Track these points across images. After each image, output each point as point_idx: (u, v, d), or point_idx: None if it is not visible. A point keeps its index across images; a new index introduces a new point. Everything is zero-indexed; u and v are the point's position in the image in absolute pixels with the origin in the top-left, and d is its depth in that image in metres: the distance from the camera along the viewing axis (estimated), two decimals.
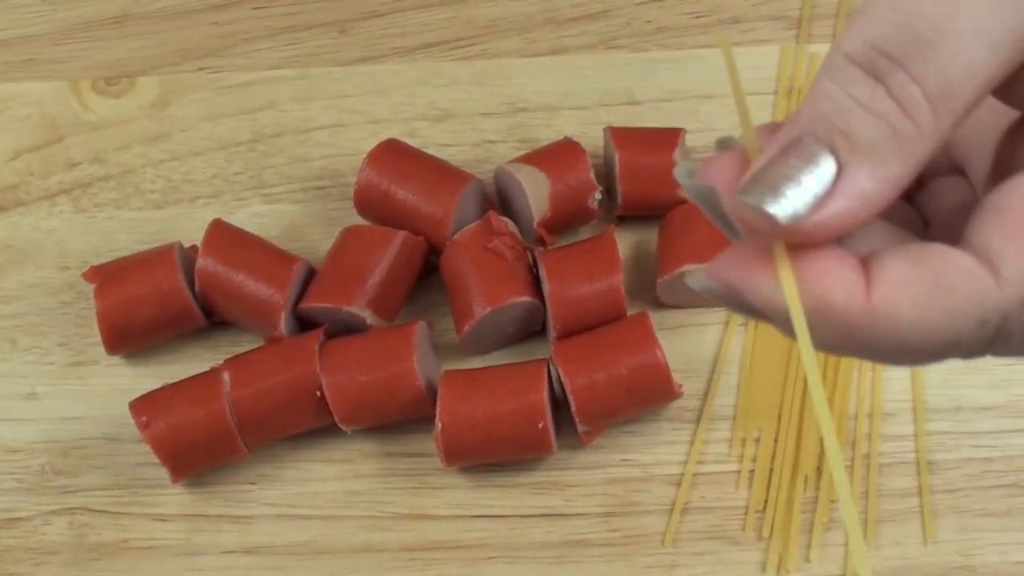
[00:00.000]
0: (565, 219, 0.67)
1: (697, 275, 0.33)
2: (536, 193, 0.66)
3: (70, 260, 0.71)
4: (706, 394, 0.65)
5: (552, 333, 0.64)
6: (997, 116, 0.34)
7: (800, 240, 0.30)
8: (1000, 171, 0.33)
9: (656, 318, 0.64)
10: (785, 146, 0.31)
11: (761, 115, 0.71)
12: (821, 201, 0.30)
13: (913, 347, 0.30)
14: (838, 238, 0.31)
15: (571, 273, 0.64)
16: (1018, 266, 0.30)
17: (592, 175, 0.67)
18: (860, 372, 0.65)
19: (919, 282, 0.30)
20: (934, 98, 0.30)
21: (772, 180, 0.30)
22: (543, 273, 0.64)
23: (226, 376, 0.63)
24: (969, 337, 0.30)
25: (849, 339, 0.30)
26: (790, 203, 0.30)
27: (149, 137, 0.74)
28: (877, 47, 0.30)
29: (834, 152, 0.30)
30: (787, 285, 0.30)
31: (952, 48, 0.30)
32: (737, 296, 0.32)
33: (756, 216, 0.30)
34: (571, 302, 0.64)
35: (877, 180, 0.30)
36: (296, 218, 0.71)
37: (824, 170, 0.30)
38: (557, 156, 0.67)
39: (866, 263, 0.31)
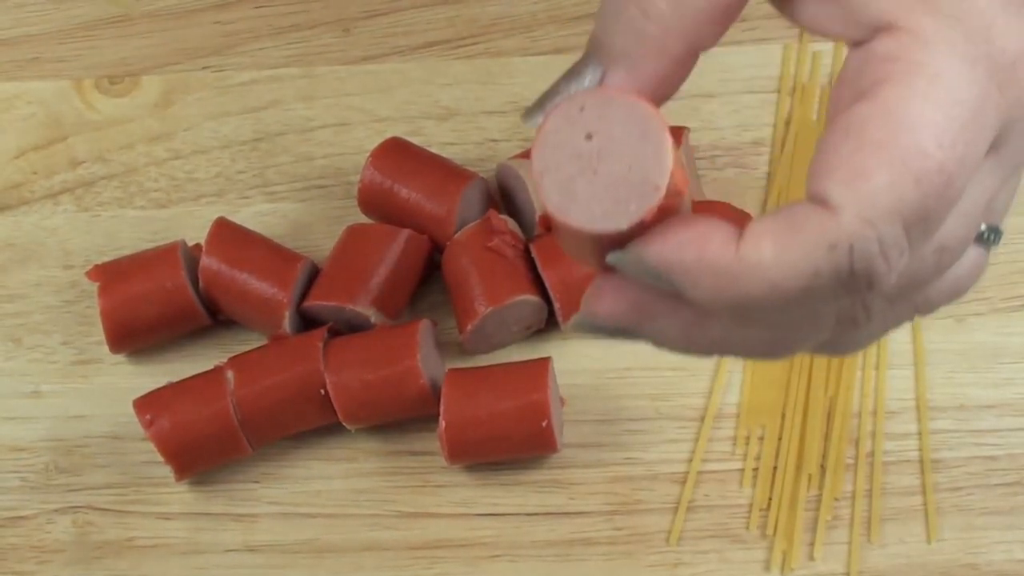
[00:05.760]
0: None
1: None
2: None
3: (74, 259, 0.71)
4: (710, 392, 0.65)
5: (559, 316, 0.64)
6: None
7: None
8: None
9: None
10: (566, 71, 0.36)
11: (765, 114, 0.71)
12: None
13: (781, 284, 0.33)
14: None
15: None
16: (842, 194, 0.32)
17: None
18: (864, 371, 0.65)
19: (775, 227, 0.33)
20: (671, 1, 0.34)
21: (544, 98, 0.36)
22: (538, 260, 0.64)
23: (230, 374, 0.63)
24: (826, 266, 0.33)
25: (726, 286, 0.34)
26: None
27: (152, 136, 0.74)
28: None
29: (599, 63, 0.36)
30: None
31: None
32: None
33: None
34: (573, 282, 0.64)
35: (633, 79, 0.35)
36: (300, 216, 0.71)
37: (586, 80, 0.35)
38: None
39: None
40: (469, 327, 0.64)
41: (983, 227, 0.37)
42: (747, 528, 0.63)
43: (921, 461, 0.63)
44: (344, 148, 0.73)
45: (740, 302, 0.34)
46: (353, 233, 0.67)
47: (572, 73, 0.36)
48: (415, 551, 0.64)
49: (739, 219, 0.65)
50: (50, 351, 0.69)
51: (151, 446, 0.63)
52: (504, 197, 0.69)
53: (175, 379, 0.65)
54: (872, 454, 0.64)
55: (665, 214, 0.34)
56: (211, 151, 0.73)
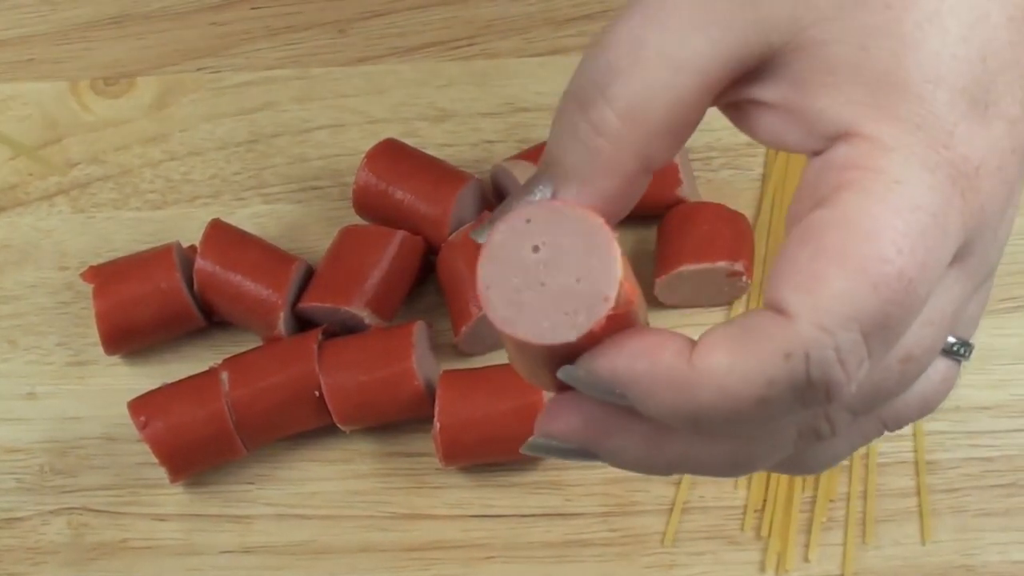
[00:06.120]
0: None
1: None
2: None
3: (69, 260, 0.71)
4: None
5: None
6: None
7: None
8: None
9: (655, 318, 0.63)
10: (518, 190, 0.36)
11: None
12: None
13: (737, 394, 0.32)
14: None
15: None
16: (798, 301, 0.32)
17: None
18: None
19: (729, 335, 0.32)
20: (624, 117, 0.34)
21: (495, 215, 0.35)
22: None
23: (225, 376, 0.63)
24: (781, 375, 0.32)
25: (681, 397, 0.33)
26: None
27: (148, 137, 0.74)
28: (585, 80, 0.34)
29: (550, 180, 0.35)
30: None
31: (638, 72, 0.34)
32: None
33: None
34: None
35: (584, 196, 0.34)
36: (295, 218, 0.71)
37: (537, 197, 0.35)
38: None
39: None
40: (464, 328, 0.64)
41: (952, 340, 0.37)
42: (742, 529, 0.63)
43: (916, 462, 0.63)
44: (339, 149, 0.73)
45: (695, 413, 0.33)
46: (348, 234, 0.67)
47: (524, 190, 0.35)
48: (410, 552, 0.64)
49: (734, 220, 0.65)
50: (45, 352, 0.69)
51: (146, 447, 0.63)
52: (499, 199, 0.69)
53: (170, 380, 0.65)
54: (867, 455, 0.64)
55: (616, 325, 0.33)
56: (206, 152, 0.73)
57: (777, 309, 0.32)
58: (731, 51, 0.34)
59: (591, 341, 0.33)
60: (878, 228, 0.31)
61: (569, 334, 0.33)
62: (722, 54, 0.34)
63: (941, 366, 0.37)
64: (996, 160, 0.33)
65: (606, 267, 0.33)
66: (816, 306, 0.31)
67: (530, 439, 0.36)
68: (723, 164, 0.71)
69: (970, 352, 0.37)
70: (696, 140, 0.70)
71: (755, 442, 0.35)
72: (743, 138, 0.70)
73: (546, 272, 0.33)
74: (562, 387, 0.36)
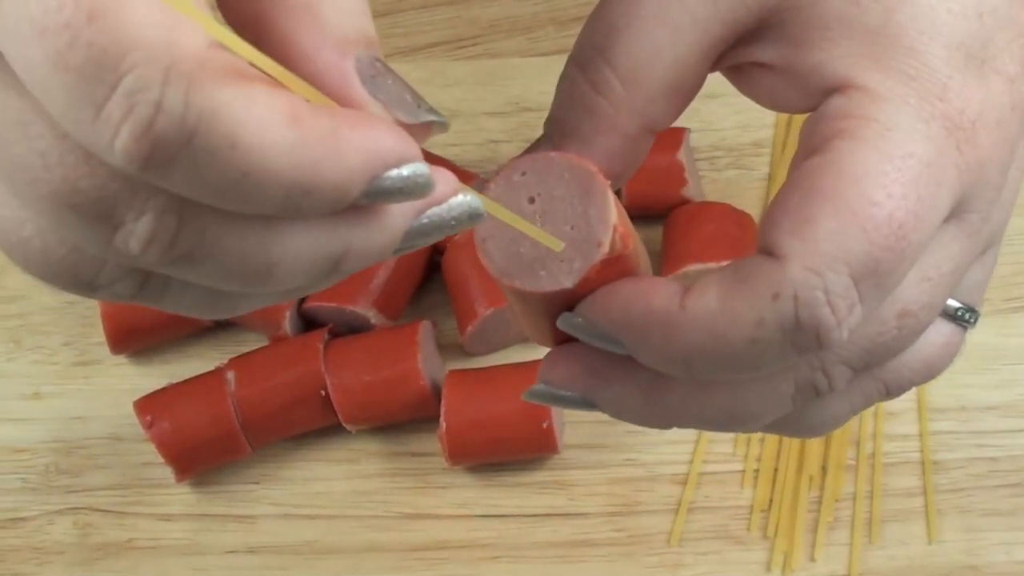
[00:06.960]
0: None
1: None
2: None
3: None
4: None
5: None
6: None
7: None
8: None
9: None
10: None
11: (765, 114, 0.71)
12: None
13: (726, 335, 0.32)
14: None
15: None
16: (789, 244, 0.32)
17: None
18: None
19: (721, 278, 0.33)
20: (623, 76, 0.34)
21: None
22: None
23: (231, 376, 0.63)
24: (770, 315, 0.32)
25: (672, 340, 0.33)
26: None
27: None
28: (586, 42, 0.35)
29: (550, 141, 0.36)
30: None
31: (636, 32, 0.34)
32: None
33: None
34: None
35: (585, 155, 0.34)
36: None
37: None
38: None
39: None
40: (470, 328, 0.64)
41: (957, 304, 0.36)
42: (748, 529, 0.63)
43: (922, 462, 0.63)
44: None
45: (687, 356, 0.33)
46: None
47: (527, 151, 0.36)
48: (416, 552, 0.64)
49: (739, 220, 0.65)
50: (51, 352, 0.69)
51: (152, 447, 0.63)
52: None
53: (176, 380, 0.65)
54: (873, 455, 0.64)
55: (613, 272, 0.34)
56: None
57: (769, 252, 0.32)
58: (729, 11, 0.34)
59: (588, 288, 0.34)
60: (868, 172, 0.32)
61: (565, 281, 0.33)
62: (721, 15, 0.34)
63: (944, 330, 0.37)
64: (994, 116, 0.33)
65: (599, 213, 0.33)
66: (805, 248, 0.31)
67: (531, 387, 0.36)
68: (728, 164, 0.71)
69: (975, 319, 0.37)
70: (701, 140, 0.70)
71: (752, 393, 0.35)
72: (748, 138, 0.71)
73: (542, 222, 0.34)
74: (564, 341, 0.36)
